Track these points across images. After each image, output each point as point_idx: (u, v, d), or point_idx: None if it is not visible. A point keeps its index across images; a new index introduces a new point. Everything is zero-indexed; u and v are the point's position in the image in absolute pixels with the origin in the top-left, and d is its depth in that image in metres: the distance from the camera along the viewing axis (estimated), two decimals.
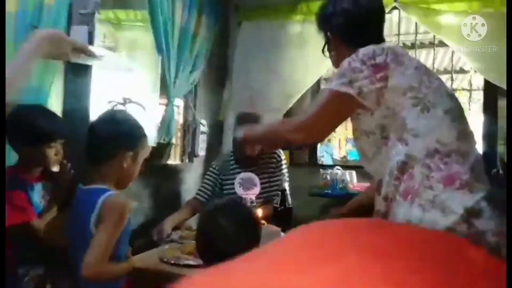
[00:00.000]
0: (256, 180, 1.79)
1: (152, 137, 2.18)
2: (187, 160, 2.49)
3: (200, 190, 2.23)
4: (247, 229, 0.95)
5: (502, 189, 2.27)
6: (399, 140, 1.03)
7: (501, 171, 2.44)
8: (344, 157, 3.30)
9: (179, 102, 2.42)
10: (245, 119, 2.20)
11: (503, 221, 0.94)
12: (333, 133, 3.57)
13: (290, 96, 2.71)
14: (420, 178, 0.99)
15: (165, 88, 2.13)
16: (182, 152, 2.51)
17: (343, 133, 3.71)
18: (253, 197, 1.85)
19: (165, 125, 2.18)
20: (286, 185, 1.96)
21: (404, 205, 0.99)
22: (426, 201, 0.96)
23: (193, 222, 2.11)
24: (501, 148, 2.70)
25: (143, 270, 1.44)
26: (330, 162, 3.23)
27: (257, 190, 1.79)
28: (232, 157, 2.27)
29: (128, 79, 2.07)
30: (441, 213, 0.94)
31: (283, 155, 2.32)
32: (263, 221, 1.74)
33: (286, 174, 2.30)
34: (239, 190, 1.79)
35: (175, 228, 1.90)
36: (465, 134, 1.06)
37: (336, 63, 1.20)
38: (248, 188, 1.80)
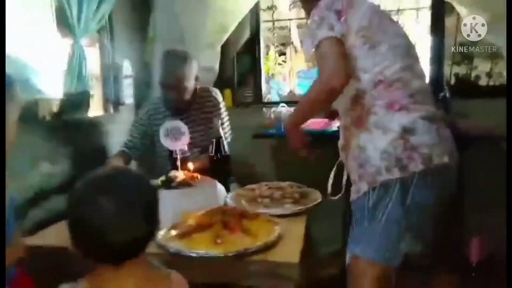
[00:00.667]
0: (184, 128, 1.54)
1: (59, 87, 1.84)
2: (111, 110, 2.18)
3: (126, 143, 1.96)
4: (138, 209, 0.71)
5: (448, 113, 2.22)
6: (353, 78, 1.14)
7: (447, 95, 2.36)
8: (291, 91, 3.08)
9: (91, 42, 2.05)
10: (172, 56, 1.90)
11: (437, 136, 1.11)
12: (278, 66, 3.32)
13: (224, 28, 2.39)
14: (367, 106, 1.14)
15: (66, 24, 1.75)
16: (104, 101, 2.19)
17: (290, 66, 3.47)
18: (184, 147, 1.62)
19: (73, 71, 1.83)
20: (222, 131, 1.73)
21: (356, 132, 1.16)
22: (371, 125, 1.12)
23: None
24: (447, 70, 2.61)
25: (44, 248, 1.22)
26: (276, 99, 3.02)
27: (186, 139, 1.55)
28: (162, 103, 1.99)
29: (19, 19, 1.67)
30: (382, 132, 1.11)
31: (220, 97, 2.07)
32: (195, 174, 1.54)
33: (226, 118, 2.07)
34: (166, 142, 1.55)
35: None
36: (410, 67, 1.17)
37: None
38: (176, 139, 1.55)
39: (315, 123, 2.14)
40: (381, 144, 1.10)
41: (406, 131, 1.09)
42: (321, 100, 1.21)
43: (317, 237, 1.74)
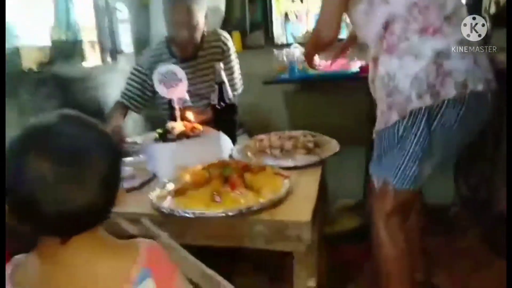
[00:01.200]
0: (180, 73, 1.35)
1: (45, 35, 1.67)
2: (109, 59, 2.01)
3: (124, 92, 1.79)
4: (86, 172, 0.54)
5: (486, 44, 1.94)
6: (383, 2, 1.10)
7: (487, 25, 2.05)
8: (308, 31, 2.80)
9: None
10: None
11: (472, 62, 1.06)
12: (291, 4, 3.01)
13: None
14: (399, 31, 1.09)
15: None
16: (101, 49, 2.01)
17: (306, 5, 3.16)
18: (183, 96, 1.44)
19: (61, 16, 1.64)
20: (224, 76, 1.52)
21: (385, 60, 1.12)
22: (403, 51, 1.07)
23: None
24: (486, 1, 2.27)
25: None
26: (291, 41, 2.76)
27: (183, 86, 1.37)
28: (166, 48, 1.79)
29: None
30: (414, 58, 1.06)
31: (230, 41, 1.85)
32: (196, 125, 1.37)
33: (237, 66, 1.86)
34: (161, 89, 1.37)
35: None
36: None
37: None
38: (172, 86, 1.37)
39: (335, 65, 1.91)
40: (412, 70, 1.06)
41: (440, 56, 1.04)
42: (316, 43, 1.31)
43: (334, 190, 1.58)
